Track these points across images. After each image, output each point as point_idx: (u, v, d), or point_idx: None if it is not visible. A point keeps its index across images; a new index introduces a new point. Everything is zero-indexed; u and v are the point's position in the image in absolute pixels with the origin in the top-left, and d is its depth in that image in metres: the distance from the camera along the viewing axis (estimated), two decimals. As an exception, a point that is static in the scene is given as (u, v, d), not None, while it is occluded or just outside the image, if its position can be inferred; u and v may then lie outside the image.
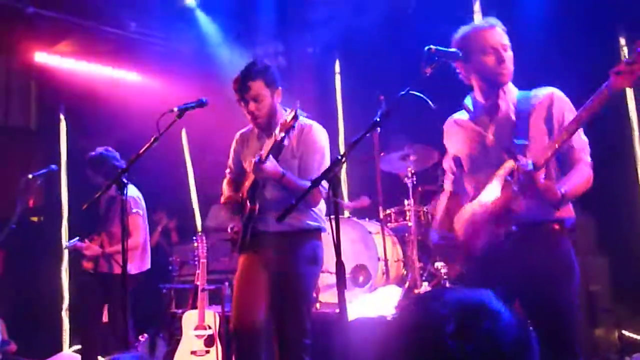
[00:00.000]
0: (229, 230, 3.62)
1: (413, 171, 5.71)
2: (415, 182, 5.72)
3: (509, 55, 2.74)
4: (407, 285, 5.35)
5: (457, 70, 2.83)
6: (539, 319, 2.47)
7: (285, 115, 3.16)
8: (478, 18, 6.13)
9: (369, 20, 6.87)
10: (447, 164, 3.09)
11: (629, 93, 5.53)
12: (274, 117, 3.48)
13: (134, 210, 5.06)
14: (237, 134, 3.83)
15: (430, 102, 2.58)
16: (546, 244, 2.57)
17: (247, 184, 3.52)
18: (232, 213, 3.68)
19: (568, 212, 2.64)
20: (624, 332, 4.93)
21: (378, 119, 2.55)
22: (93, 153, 5.20)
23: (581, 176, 2.59)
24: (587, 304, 4.86)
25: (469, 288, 1.12)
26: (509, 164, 2.54)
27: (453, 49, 2.68)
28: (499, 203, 2.54)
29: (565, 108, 2.68)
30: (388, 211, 5.96)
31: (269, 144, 3.22)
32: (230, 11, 7.32)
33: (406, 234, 5.77)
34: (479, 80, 2.80)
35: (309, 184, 2.85)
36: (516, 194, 2.46)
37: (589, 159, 2.64)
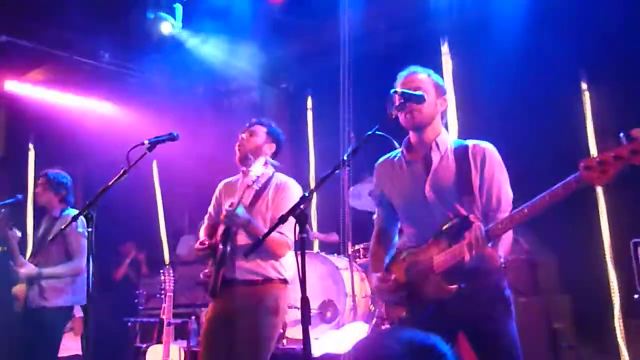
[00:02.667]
0: (201, 275, 3.72)
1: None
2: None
3: (426, 100, 2.74)
4: (374, 321, 5.36)
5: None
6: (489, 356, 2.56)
7: (262, 169, 3.57)
8: (446, 60, 6.31)
9: (340, 58, 7.01)
10: (375, 200, 3.09)
11: (590, 132, 5.71)
12: (255, 157, 3.73)
13: (79, 230, 4.62)
14: (222, 183, 3.98)
15: (395, 143, 2.65)
16: (489, 288, 2.64)
17: (221, 229, 3.64)
18: (203, 257, 3.78)
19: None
20: (586, 369, 5.00)
21: (346, 157, 2.61)
22: (61, 173, 4.99)
23: (509, 237, 2.62)
24: (550, 341, 4.93)
25: (419, 330, 1.21)
26: (456, 220, 2.58)
27: (419, 92, 2.73)
28: (445, 259, 2.59)
29: (495, 168, 2.70)
30: (357, 247, 6.00)
31: (244, 194, 3.54)
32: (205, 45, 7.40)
33: (368, 281, 5.80)
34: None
35: (275, 234, 3.20)
36: (464, 252, 2.49)
37: None
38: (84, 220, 4.78)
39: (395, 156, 2.96)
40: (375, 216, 3.19)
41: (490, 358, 2.59)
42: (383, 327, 5.15)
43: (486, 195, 2.68)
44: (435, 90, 2.82)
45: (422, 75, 2.83)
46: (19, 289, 4.73)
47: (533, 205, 2.34)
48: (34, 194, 5.05)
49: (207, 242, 3.70)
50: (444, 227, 2.63)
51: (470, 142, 2.79)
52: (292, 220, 3.47)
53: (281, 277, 3.65)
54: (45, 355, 4.60)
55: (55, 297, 4.68)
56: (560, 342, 5.02)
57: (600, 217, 5.61)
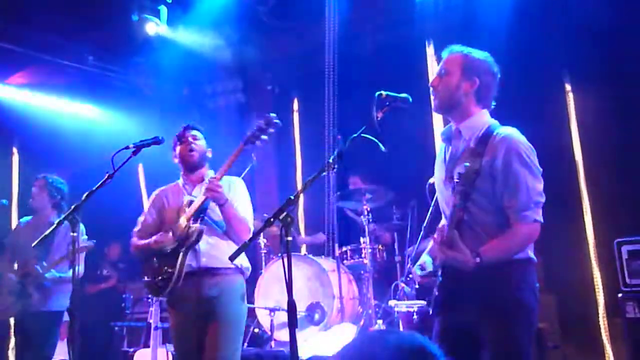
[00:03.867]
0: (146, 278, 3.70)
1: (369, 209, 5.79)
2: (370, 220, 5.80)
3: (442, 80, 2.66)
4: (362, 323, 5.37)
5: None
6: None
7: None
8: (432, 62, 6.33)
9: (326, 60, 7.02)
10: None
11: (574, 133, 5.76)
12: (202, 163, 3.87)
13: (83, 237, 4.71)
14: (155, 192, 3.99)
15: (381, 145, 2.65)
16: (502, 285, 2.52)
17: (188, 215, 3.63)
18: (144, 258, 3.76)
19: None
20: (571, 369, 5.04)
21: (332, 160, 2.61)
22: (54, 176, 4.99)
23: (508, 241, 2.50)
24: (535, 341, 4.96)
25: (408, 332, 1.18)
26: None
27: (403, 94, 2.72)
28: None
29: (512, 160, 2.48)
30: (344, 248, 6.01)
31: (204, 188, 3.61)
32: (191, 47, 7.38)
33: (362, 272, 5.82)
34: None
35: (242, 218, 3.61)
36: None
37: (529, 215, 2.47)
38: (82, 226, 4.89)
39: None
40: None
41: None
42: (371, 329, 5.17)
43: (502, 189, 2.49)
44: (462, 71, 2.64)
45: (455, 55, 2.68)
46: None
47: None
48: (32, 194, 4.98)
49: (164, 236, 3.68)
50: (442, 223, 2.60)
51: (497, 130, 2.58)
52: (251, 207, 3.70)
53: (240, 268, 3.71)
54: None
55: (55, 300, 4.69)
56: (545, 341, 5.05)
57: (585, 218, 5.65)
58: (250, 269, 3.82)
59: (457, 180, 2.47)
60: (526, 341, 2.51)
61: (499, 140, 2.52)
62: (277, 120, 3.63)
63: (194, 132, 3.89)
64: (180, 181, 3.93)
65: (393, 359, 1.07)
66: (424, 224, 4.29)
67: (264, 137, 3.63)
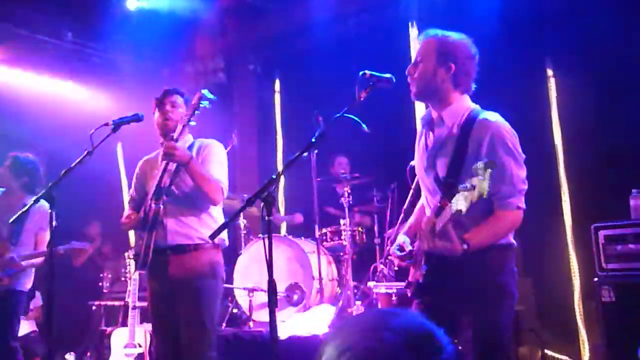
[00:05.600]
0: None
1: (349, 191, 5.80)
2: (351, 203, 5.81)
3: (418, 68, 2.63)
4: (340, 304, 5.40)
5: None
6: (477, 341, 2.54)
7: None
8: (415, 45, 6.31)
9: (309, 41, 6.98)
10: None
11: (555, 118, 5.80)
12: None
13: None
14: (142, 160, 3.91)
15: (364, 126, 2.64)
16: (483, 269, 2.52)
17: (152, 187, 3.57)
18: (133, 229, 3.74)
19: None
20: (547, 351, 5.11)
21: (314, 140, 2.60)
22: (22, 155, 4.81)
23: (493, 228, 2.50)
24: (513, 323, 5.02)
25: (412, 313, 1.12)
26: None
27: (387, 75, 2.70)
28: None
29: (497, 147, 2.45)
30: (324, 230, 6.02)
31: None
32: (172, 26, 7.28)
33: (341, 253, 5.84)
34: None
35: (211, 178, 3.47)
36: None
37: (513, 202, 2.47)
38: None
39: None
40: None
41: (474, 345, 2.52)
42: (350, 310, 5.20)
43: None
44: (437, 57, 2.58)
45: (429, 39, 2.63)
46: None
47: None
48: None
49: (133, 215, 3.64)
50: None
51: (481, 115, 2.54)
52: (225, 169, 3.57)
53: (215, 243, 3.59)
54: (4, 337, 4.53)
55: (23, 280, 4.64)
56: (522, 324, 5.11)
57: (563, 202, 5.71)
58: (226, 241, 3.71)
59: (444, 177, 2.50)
60: (507, 325, 2.55)
61: (484, 126, 2.49)
62: (210, 96, 3.54)
63: (174, 98, 3.72)
64: (161, 152, 3.79)
65: (400, 341, 1.03)
66: (404, 207, 4.30)
67: (197, 112, 3.53)
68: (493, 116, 2.55)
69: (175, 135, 3.50)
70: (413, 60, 2.67)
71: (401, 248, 2.76)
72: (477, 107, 2.65)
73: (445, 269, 2.49)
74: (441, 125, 2.63)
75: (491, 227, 2.50)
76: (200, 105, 3.51)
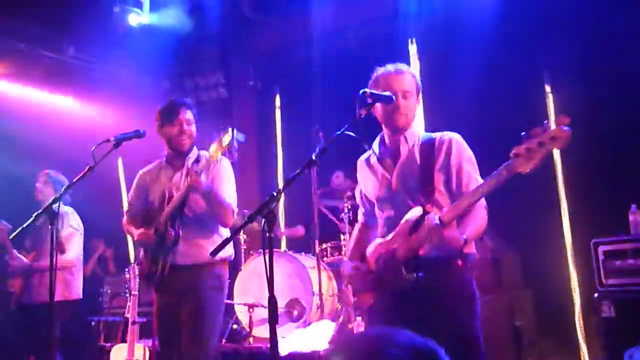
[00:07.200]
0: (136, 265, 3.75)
1: (349, 207, 5.80)
2: (351, 218, 5.81)
3: (407, 102, 2.82)
4: (341, 320, 5.38)
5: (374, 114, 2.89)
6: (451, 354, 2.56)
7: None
8: (414, 61, 6.35)
9: (310, 57, 7.01)
10: (358, 197, 3.19)
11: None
12: (191, 149, 3.80)
13: (71, 224, 4.95)
14: (140, 172, 3.95)
15: (363, 143, 2.67)
16: (452, 282, 2.68)
17: (166, 214, 3.61)
18: (146, 247, 3.77)
19: (470, 248, 2.74)
20: (547, 366, 5.11)
21: (314, 157, 2.61)
22: (61, 176, 5.14)
23: (479, 219, 2.67)
24: (513, 338, 5.02)
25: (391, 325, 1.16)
26: (416, 211, 2.64)
27: (387, 93, 2.75)
28: (406, 248, 2.63)
29: (463, 157, 2.76)
30: (324, 245, 6.02)
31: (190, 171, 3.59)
32: (173, 40, 7.33)
33: (341, 269, 5.82)
34: (383, 124, 2.92)
35: (224, 202, 3.57)
36: (422, 242, 2.56)
37: (483, 200, 2.67)
38: (77, 216, 5.00)
39: (369, 155, 3.02)
40: (359, 212, 3.23)
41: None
42: (350, 326, 5.18)
43: (456, 184, 2.74)
44: (416, 92, 2.89)
45: (410, 76, 2.89)
46: (14, 283, 4.84)
47: (473, 194, 2.49)
48: (34, 188, 5.15)
49: (150, 233, 3.66)
50: (405, 218, 2.68)
51: (437, 135, 2.85)
52: (234, 187, 3.70)
53: (222, 258, 3.68)
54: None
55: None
56: (522, 338, 5.11)
57: (563, 217, 5.71)
58: (232, 254, 3.79)
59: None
60: (479, 327, 2.70)
61: (447, 141, 2.79)
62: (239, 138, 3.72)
63: (189, 116, 3.74)
64: (163, 162, 3.86)
65: (407, 358, 1.05)
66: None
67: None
68: (454, 134, 2.85)
69: (190, 161, 3.67)
70: (401, 94, 2.81)
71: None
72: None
73: (437, 276, 2.61)
74: (405, 144, 2.85)
75: (477, 221, 2.68)
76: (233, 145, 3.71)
